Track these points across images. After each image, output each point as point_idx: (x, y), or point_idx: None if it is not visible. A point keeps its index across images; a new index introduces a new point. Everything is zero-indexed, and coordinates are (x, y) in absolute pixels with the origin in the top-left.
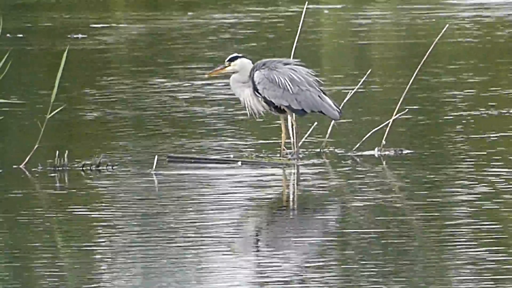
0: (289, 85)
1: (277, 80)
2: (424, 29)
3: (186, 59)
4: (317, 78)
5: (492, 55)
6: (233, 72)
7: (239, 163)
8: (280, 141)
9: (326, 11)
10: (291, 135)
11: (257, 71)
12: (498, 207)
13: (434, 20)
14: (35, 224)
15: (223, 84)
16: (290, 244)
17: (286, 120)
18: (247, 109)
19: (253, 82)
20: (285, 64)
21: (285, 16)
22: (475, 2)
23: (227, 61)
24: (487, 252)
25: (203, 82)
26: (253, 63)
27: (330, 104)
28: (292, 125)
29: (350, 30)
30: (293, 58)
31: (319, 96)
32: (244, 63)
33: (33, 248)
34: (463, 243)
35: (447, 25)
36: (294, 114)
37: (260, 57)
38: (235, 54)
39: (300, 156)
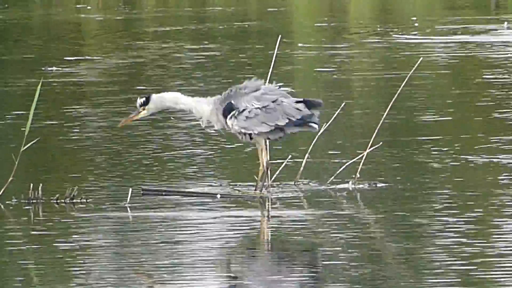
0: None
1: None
2: (400, 63)
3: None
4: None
5: (467, 89)
6: (150, 115)
7: (218, 196)
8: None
9: (300, 44)
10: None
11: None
12: (473, 242)
13: (409, 53)
14: (9, 257)
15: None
16: (265, 282)
17: (262, 152)
18: (203, 122)
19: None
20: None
21: (260, 49)
22: (451, 39)
23: (140, 106)
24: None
25: (181, 113)
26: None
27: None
28: (263, 158)
29: (324, 64)
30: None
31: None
32: (164, 98)
33: (7, 281)
34: (438, 276)
35: (421, 58)
36: (264, 145)
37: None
38: (143, 96)
39: (272, 189)
